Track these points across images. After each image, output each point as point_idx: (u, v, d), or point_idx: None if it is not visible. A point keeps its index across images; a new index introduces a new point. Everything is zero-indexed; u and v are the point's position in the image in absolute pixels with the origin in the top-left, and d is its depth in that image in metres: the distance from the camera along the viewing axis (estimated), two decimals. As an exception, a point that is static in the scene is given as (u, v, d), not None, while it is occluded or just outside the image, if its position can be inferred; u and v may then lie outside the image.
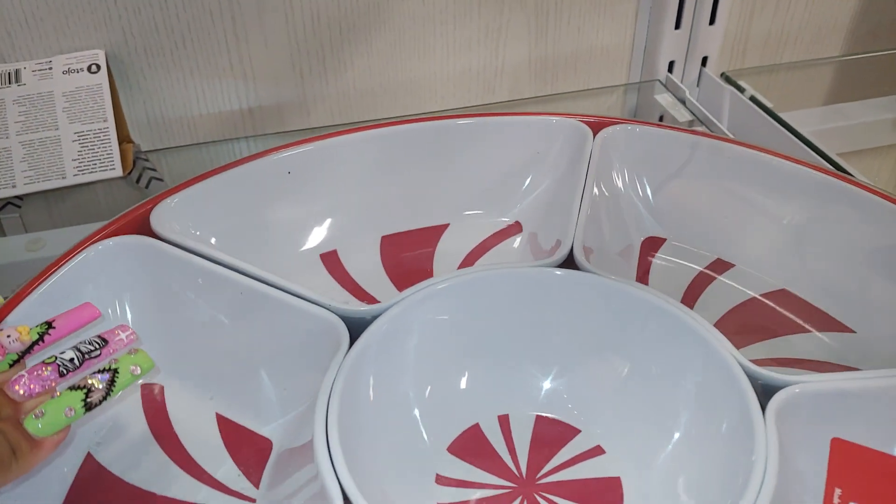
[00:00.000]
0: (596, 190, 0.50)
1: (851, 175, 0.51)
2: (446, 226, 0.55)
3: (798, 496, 0.32)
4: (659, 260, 0.51)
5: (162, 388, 0.43)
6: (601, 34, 0.69)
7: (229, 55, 0.61)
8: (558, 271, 0.42)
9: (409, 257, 0.53)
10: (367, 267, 0.52)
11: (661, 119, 0.68)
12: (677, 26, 0.69)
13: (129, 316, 0.43)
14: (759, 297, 0.48)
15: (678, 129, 0.53)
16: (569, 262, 0.43)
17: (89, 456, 0.40)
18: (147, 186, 0.55)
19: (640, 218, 0.53)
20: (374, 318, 0.39)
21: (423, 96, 0.68)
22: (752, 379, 0.35)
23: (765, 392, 0.34)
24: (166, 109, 0.61)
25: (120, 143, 0.54)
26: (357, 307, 0.40)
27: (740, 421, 0.33)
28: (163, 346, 0.42)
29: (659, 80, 0.71)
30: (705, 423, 0.36)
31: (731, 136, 0.60)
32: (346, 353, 0.37)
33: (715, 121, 0.64)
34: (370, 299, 0.49)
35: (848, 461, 0.32)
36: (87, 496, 0.38)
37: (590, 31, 0.69)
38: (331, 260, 0.52)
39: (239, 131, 0.65)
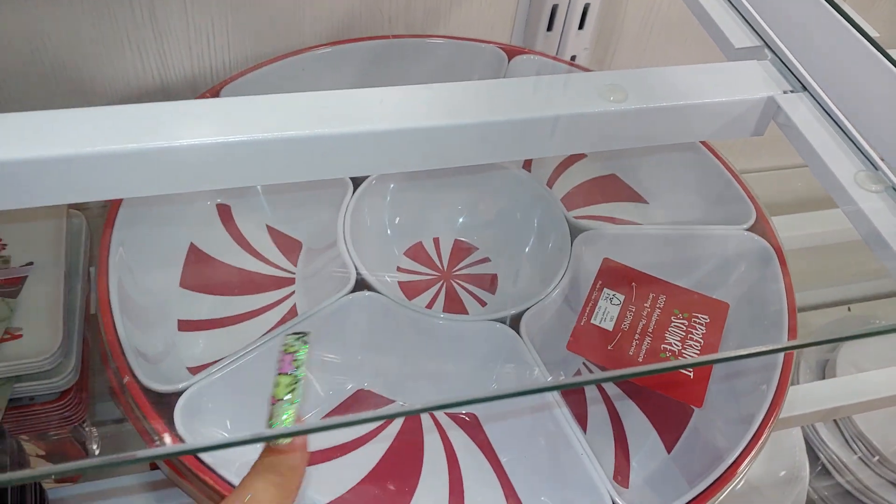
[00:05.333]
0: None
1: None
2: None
3: (582, 282, 0.63)
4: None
5: (229, 207, 0.71)
6: None
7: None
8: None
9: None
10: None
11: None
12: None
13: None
14: (597, 178, 0.78)
15: (563, 60, 0.81)
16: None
17: (192, 245, 0.68)
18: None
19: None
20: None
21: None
22: (570, 223, 0.65)
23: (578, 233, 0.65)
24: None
25: None
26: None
27: (560, 245, 0.64)
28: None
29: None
30: (543, 244, 0.67)
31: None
32: (351, 195, 0.66)
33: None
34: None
35: (610, 270, 0.63)
36: (196, 264, 0.67)
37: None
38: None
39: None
